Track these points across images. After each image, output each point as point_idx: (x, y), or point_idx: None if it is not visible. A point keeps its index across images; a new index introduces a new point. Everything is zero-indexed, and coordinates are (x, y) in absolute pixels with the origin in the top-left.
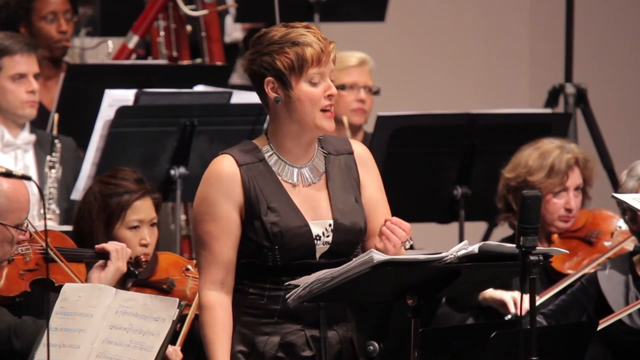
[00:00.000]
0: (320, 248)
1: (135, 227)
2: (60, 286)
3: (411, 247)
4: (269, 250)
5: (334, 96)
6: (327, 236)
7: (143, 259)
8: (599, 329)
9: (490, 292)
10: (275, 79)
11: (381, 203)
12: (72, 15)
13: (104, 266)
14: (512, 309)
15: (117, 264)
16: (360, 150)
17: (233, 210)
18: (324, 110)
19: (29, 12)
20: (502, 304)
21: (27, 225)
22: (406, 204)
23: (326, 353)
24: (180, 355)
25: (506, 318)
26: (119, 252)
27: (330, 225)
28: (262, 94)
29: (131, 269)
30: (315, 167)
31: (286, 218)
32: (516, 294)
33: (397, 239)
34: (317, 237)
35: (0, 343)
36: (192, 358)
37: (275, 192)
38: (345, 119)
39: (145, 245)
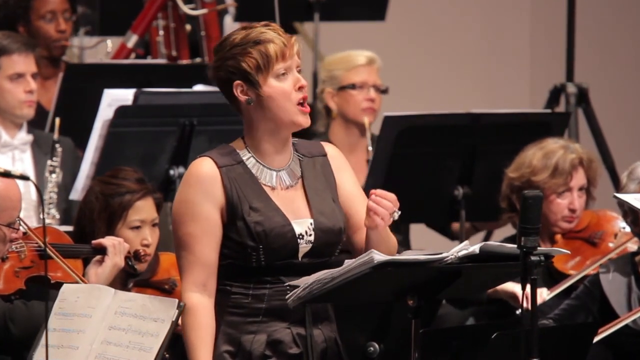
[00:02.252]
0: (303, 247)
1: (136, 227)
2: (57, 283)
3: (398, 219)
4: (254, 250)
5: (304, 87)
6: (310, 235)
7: (142, 253)
8: (603, 335)
9: (502, 285)
10: (243, 81)
11: (359, 197)
12: (71, 15)
13: (102, 261)
14: (524, 304)
15: (115, 259)
16: (333, 152)
17: (214, 211)
18: (299, 105)
19: (27, 11)
20: (514, 297)
21: (20, 224)
22: (407, 204)
23: (313, 350)
24: None
25: (518, 312)
26: (116, 247)
27: (311, 224)
28: (232, 99)
29: (129, 263)
30: (292, 171)
31: (269, 218)
32: (527, 288)
33: (384, 211)
34: (300, 236)
35: None
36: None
37: (256, 193)
38: (366, 120)
39: (146, 246)
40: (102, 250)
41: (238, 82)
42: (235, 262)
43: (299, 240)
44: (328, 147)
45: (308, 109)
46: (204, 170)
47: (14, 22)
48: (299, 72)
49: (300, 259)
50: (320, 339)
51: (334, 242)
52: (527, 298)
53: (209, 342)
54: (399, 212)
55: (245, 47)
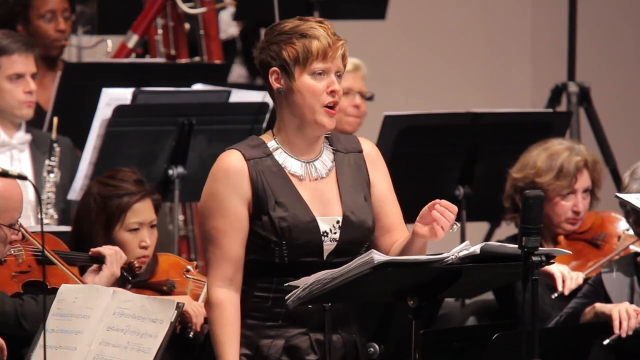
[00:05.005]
0: (328, 245)
1: (135, 230)
2: (54, 288)
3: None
4: (277, 245)
5: (337, 93)
6: (335, 233)
7: (137, 265)
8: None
9: None
10: (280, 69)
11: (392, 200)
12: (71, 14)
13: (98, 271)
14: (559, 287)
15: (112, 269)
16: (370, 149)
17: (241, 206)
18: (327, 107)
19: (27, 10)
20: (551, 277)
21: (20, 226)
22: (408, 204)
23: (331, 357)
24: (204, 312)
25: (553, 297)
26: (113, 257)
27: (338, 222)
28: (269, 84)
29: (124, 274)
30: (323, 163)
31: (294, 213)
32: (565, 270)
33: (447, 222)
34: (325, 234)
35: (11, 327)
36: None
37: (284, 187)
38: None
39: (145, 248)
40: (99, 259)
41: (275, 69)
42: (258, 257)
43: (323, 237)
44: (365, 144)
45: (335, 111)
46: (232, 164)
47: (14, 21)
48: (339, 77)
49: (325, 258)
50: (339, 345)
51: (361, 241)
52: (564, 282)
53: (237, 339)
54: (459, 225)
55: (292, 37)
